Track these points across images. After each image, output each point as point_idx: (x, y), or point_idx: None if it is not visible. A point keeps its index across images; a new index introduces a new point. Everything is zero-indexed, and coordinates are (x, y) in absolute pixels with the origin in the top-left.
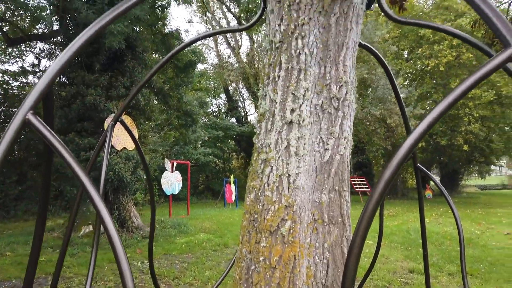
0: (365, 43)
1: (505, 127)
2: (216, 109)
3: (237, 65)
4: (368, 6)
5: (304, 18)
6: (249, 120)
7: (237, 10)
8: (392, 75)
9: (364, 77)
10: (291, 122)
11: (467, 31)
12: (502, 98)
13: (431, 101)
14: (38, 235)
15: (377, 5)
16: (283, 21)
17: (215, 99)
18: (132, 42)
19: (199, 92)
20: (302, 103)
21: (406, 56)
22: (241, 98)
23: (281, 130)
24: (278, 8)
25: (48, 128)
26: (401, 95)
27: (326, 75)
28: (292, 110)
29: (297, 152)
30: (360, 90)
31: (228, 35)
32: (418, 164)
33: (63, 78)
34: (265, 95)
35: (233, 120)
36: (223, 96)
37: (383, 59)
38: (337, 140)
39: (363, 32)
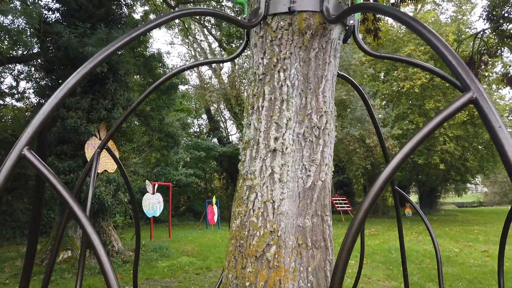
0: (343, 73)
1: (479, 146)
2: (198, 130)
3: (218, 86)
4: (344, 41)
5: (286, 53)
6: (230, 140)
7: (218, 33)
8: (369, 102)
9: (343, 98)
10: (274, 150)
11: (436, 57)
12: (475, 119)
13: (407, 121)
14: (26, 270)
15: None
16: (266, 55)
17: (197, 120)
18: (114, 65)
19: (181, 113)
20: (285, 132)
21: (382, 78)
22: (222, 119)
23: (265, 158)
24: (261, 42)
25: (43, 162)
26: (379, 116)
27: (307, 105)
28: (276, 139)
29: (281, 179)
30: (339, 111)
31: (210, 57)
32: (396, 187)
33: (43, 101)
34: (250, 124)
35: (215, 140)
36: (204, 116)
37: (359, 87)
38: (319, 167)
39: (341, 56)
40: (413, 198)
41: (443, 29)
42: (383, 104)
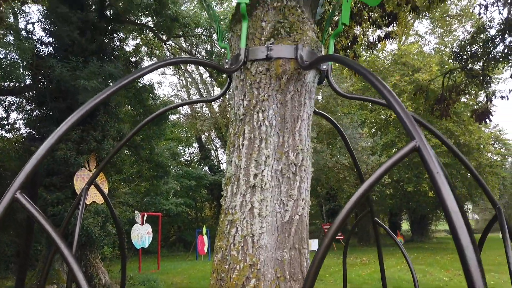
0: (319, 111)
1: (467, 174)
2: (189, 158)
3: (209, 115)
4: (319, 82)
5: (264, 95)
6: (221, 168)
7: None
8: (347, 138)
9: (331, 127)
10: (254, 186)
11: (424, 86)
12: (461, 147)
13: (395, 149)
14: None
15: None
16: (246, 97)
17: (188, 148)
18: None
19: (171, 142)
20: (264, 169)
21: (370, 106)
22: (213, 147)
23: (245, 193)
24: (242, 85)
25: (34, 205)
26: (367, 144)
27: (284, 143)
28: (255, 175)
29: (260, 214)
30: (328, 139)
31: (201, 86)
32: (376, 219)
33: (34, 133)
34: (231, 161)
35: (206, 169)
36: (195, 145)
37: (337, 124)
38: (296, 202)
39: (327, 86)
40: (405, 225)
41: (427, 60)
42: (372, 132)
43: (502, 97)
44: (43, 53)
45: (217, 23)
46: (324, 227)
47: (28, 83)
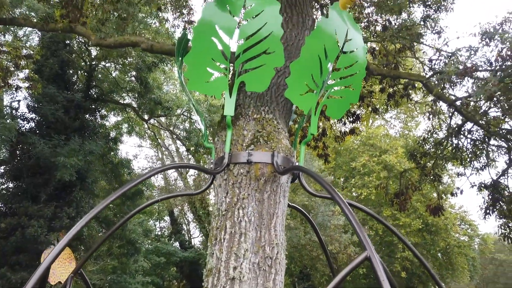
0: (293, 205)
1: (438, 254)
2: (159, 233)
3: (184, 188)
4: (292, 181)
5: (244, 194)
6: (193, 244)
7: (187, 143)
8: (317, 228)
9: (305, 203)
10: (233, 278)
11: (391, 165)
12: (429, 226)
13: (367, 227)
14: None
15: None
16: (228, 194)
17: (159, 222)
18: (83, 173)
19: (143, 216)
20: (243, 262)
21: (342, 184)
22: (185, 221)
23: (225, 286)
24: (225, 184)
25: None
26: (340, 222)
27: (261, 238)
28: (235, 268)
29: None
30: (302, 216)
31: (176, 158)
32: None
33: (4, 208)
34: (213, 254)
35: (176, 244)
36: (167, 218)
37: (308, 215)
38: None
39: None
40: None
41: (392, 142)
42: None
43: (452, 194)
44: (24, 128)
45: (204, 124)
46: None
47: (4, 156)
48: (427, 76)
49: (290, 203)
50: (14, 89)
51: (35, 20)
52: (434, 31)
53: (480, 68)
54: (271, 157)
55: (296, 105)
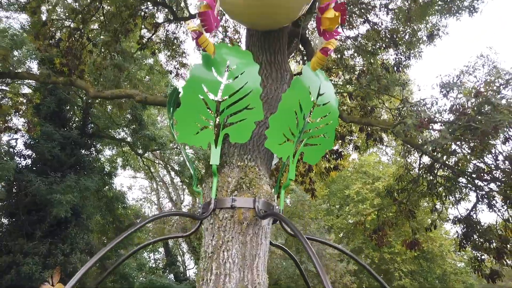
0: (277, 243)
1: (435, 281)
2: (154, 265)
3: (178, 218)
4: (273, 222)
5: (229, 237)
6: (187, 275)
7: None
8: (299, 263)
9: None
10: None
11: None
12: (425, 254)
13: (363, 256)
14: None
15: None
16: (214, 237)
17: (153, 254)
18: (78, 209)
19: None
20: None
21: (336, 211)
22: (180, 253)
23: None
24: (211, 228)
25: None
26: (335, 251)
27: (244, 278)
28: None
29: None
30: (297, 245)
31: (170, 188)
32: None
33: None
34: None
35: (171, 276)
36: (161, 249)
37: (294, 256)
38: None
39: (294, 192)
40: None
41: (385, 169)
42: (341, 236)
43: (426, 229)
44: (21, 165)
45: (193, 171)
46: None
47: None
48: (394, 123)
49: (273, 242)
50: (14, 131)
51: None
52: (398, 84)
53: (436, 120)
54: (253, 203)
55: (276, 154)
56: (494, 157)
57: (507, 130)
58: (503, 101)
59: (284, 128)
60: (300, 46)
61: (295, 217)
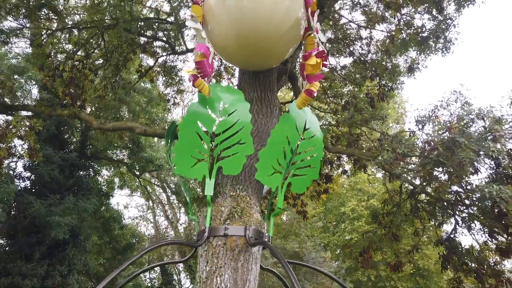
0: (267, 267)
1: None
2: (149, 284)
3: (174, 236)
4: (263, 248)
5: (221, 263)
6: None
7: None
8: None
9: (295, 250)
10: None
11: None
12: (421, 271)
13: (360, 273)
14: None
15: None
16: (208, 263)
17: (149, 273)
18: (76, 230)
19: (132, 268)
20: None
21: (332, 228)
22: (176, 271)
23: None
24: (205, 254)
25: None
26: (331, 269)
27: None
28: None
29: None
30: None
31: (167, 207)
32: None
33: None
34: None
35: None
36: (157, 268)
37: (280, 276)
38: None
39: (290, 209)
40: None
41: (380, 186)
42: (337, 253)
43: (409, 251)
44: (20, 187)
45: (190, 199)
46: None
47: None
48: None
49: (263, 266)
50: (17, 157)
51: (42, 107)
52: (378, 118)
53: (410, 154)
54: (244, 230)
55: (265, 185)
56: (466, 186)
57: (470, 166)
58: (462, 139)
59: (273, 161)
60: (288, 82)
61: (291, 234)
